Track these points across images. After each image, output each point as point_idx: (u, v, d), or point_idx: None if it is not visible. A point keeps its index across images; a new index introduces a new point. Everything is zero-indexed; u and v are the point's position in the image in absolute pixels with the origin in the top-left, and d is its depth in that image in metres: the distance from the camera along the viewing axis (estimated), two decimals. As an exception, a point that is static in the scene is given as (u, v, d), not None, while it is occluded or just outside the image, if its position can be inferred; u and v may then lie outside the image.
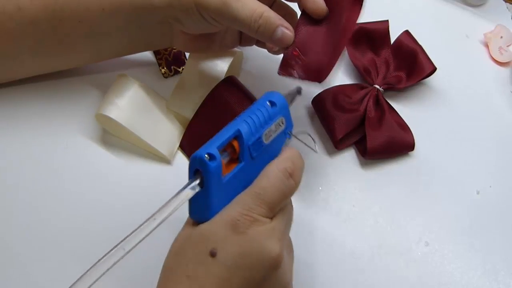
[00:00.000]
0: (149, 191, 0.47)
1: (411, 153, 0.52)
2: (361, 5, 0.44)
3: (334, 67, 0.57)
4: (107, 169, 0.47)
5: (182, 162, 0.49)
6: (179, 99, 0.49)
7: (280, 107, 0.37)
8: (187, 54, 0.54)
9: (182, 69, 0.53)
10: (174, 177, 0.47)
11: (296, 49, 0.42)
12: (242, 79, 0.54)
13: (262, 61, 0.55)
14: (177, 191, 0.33)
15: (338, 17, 0.43)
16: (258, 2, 0.39)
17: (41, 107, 0.49)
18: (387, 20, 0.56)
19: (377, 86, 0.53)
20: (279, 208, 0.35)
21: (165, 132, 0.48)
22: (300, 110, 0.54)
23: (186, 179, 0.44)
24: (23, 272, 0.42)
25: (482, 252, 0.48)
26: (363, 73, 0.54)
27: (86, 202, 0.45)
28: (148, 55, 0.54)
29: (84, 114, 0.49)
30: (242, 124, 0.35)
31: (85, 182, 0.46)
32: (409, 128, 0.52)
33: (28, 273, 0.42)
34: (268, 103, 0.37)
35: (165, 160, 0.48)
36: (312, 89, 0.52)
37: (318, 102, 0.52)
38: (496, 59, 0.60)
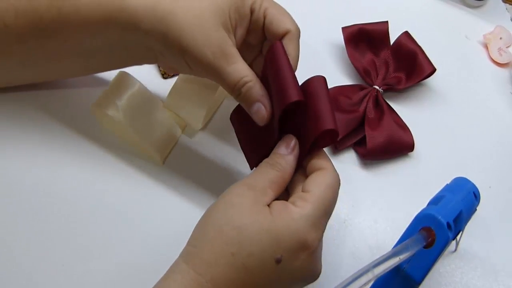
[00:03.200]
0: (138, 191, 0.47)
1: (410, 153, 0.52)
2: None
3: (333, 66, 0.57)
4: (97, 165, 0.48)
5: (173, 165, 0.49)
6: (176, 100, 0.49)
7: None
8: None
9: (182, 69, 0.53)
10: (164, 180, 0.48)
11: None
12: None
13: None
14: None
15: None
16: (249, 69, 0.38)
17: (37, 98, 0.50)
18: (387, 21, 0.56)
19: (377, 87, 0.53)
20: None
21: (160, 134, 0.48)
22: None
23: (176, 182, 0.45)
24: (21, 271, 0.42)
25: (482, 252, 0.48)
26: (362, 74, 0.54)
27: (71, 199, 0.46)
28: (147, 55, 0.54)
29: (80, 107, 0.49)
30: (460, 204, 0.38)
31: (72, 177, 0.47)
32: (408, 129, 0.52)
33: (24, 272, 0.42)
34: (474, 195, 0.41)
35: (157, 161, 0.48)
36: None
37: None
38: (496, 60, 0.60)
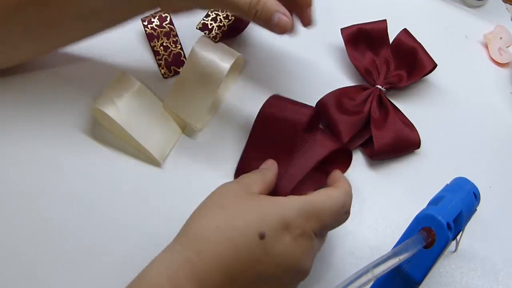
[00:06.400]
0: (138, 191, 0.47)
1: (412, 153, 0.52)
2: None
3: (334, 68, 0.57)
4: (96, 165, 0.48)
5: (173, 165, 0.49)
6: (176, 100, 0.49)
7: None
8: (187, 55, 0.54)
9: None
10: (162, 181, 0.48)
11: None
12: (242, 82, 0.54)
13: (262, 65, 0.55)
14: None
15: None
16: None
17: (38, 97, 0.50)
18: (385, 20, 0.56)
19: (379, 86, 0.53)
20: (324, 233, 0.38)
21: (159, 135, 0.48)
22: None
23: (175, 182, 0.45)
24: (21, 270, 0.42)
25: (482, 252, 0.48)
26: (364, 74, 0.54)
27: (70, 198, 0.46)
28: (148, 55, 0.54)
29: (80, 107, 0.50)
30: (460, 204, 0.38)
31: (71, 177, 0.47)
32: (414, 127, 0.52)
33: (24, 271, 0.42)
34: (474, 195, 0.41)
35: (155, 162, 0.48)
36: (314, 94, 0.52)
37: (321, 106, 0.52)
38: (496, 60, 0.60)
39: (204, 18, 0.53)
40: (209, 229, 0.33)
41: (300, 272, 0.35)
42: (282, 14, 0.39)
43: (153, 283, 0.32)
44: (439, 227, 0.35)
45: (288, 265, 0.34)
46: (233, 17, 0.53)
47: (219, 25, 0.53)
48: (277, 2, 0.39)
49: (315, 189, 0.39)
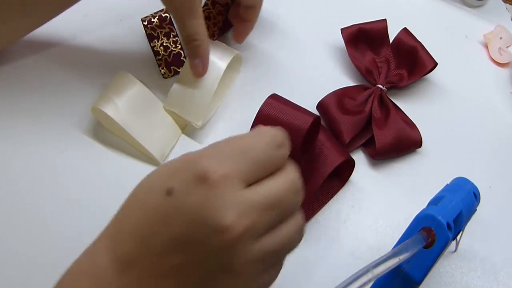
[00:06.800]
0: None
1: (413, 153, 0.52)
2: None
3: (334, 68, 0.57)
4: (96, 165, 0.48)
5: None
6: (176, 99, 0.49)
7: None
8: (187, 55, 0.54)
9: (182, 69, 0.53)
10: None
11: None
12: (242, 82, 0.54)
13: (262, 66, 0.55)
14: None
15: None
16: (205, 31, 0.47)
17: (38, 97, 0.50)
18: (385, 19, 0.56)
19: (380, 86, 0.53)
20: (261, 180, 0.28)
21: (160, 135, 0.48)
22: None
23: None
24: (21, 270, 0.42)
25: (482, 252, 0.48)
26: (365, 73, 0.54)
27: (70, 198, 0.46)
28: (148, 55, 0.54)
29: (80, 106, 0.50)
30: (460, 204, 0.38)
31: (71, 177, 0.47)
32: (415, 126, 0.52)
33: (24, 271, 0.42)
34: (474, 195, 0.40)
35: (155, 162, 0.48)
36: (315, 94, 0.52)
37: (322, 106, 0.52)
38: (496, 60, 0.60)
39: None
40: (128, 199, 0.30)
41: (217, 229, 0.26)
42: (200, 63, 0.48)
43: (76, 261, 0.30)
44: (439, 227, 0.35)
45: (198, 219, 0.26)
46: (225, 11, 0.54)
47: (214, 22, 0.53)
48: (206, 52, 0.48)
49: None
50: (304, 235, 0.31)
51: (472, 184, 0.42)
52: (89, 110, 0.48)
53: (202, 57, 0.47)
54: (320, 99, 0.52)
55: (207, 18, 0.53)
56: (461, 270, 0.47)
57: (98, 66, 0.53)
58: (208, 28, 0.52)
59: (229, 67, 0.49)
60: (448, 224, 0.35)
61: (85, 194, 0.46)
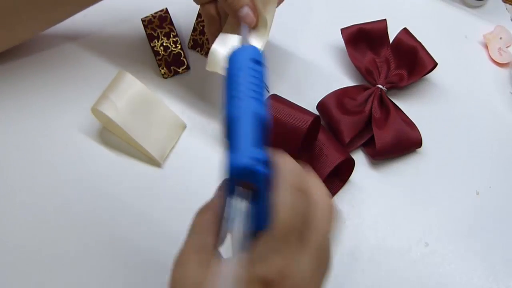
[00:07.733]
0: (137, 191, 0.47)
1: (413, 153, 0.52)
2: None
3: (334, 68, 0.57)
4: (96, 165, 0.48)
5: (173, 165, 0.49)
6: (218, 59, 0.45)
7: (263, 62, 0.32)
8: (187, 55, 0.54)
9: (182, 69, 0.53)
10: (162, 180, 0.48)
11: None
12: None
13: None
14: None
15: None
16: None
17: (38, 97, 0.50)
18: (385, 19, 0.56)
19: (380, 86, 0.53)
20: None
21: (159, 135, 0.48)
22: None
23: (175, 182, 0.45)
24: (20, 270, 0.42)
25: (482, 252, 0.48)
26: (365, 74, 0.54)
27: (69, 198, 0.46)
28: (148, 55, 0.54)
29: (80, 107, 0.50)
30: (251, 101, 0.29)
31: (71, 177, 0.47)
32: (415, 126, 0.52)
33: (24, 271, 0.42)
34: (251, 62, 0.31)
35: (155, 162, 0.48)
36: (315, 94, 0.52)
37: (322, 106, 0.52)
38: (496, 60, 0.60)
39: (192, 33, 0.54)
40: None
41: None
42: (250, 9, 0.43)
43: None
44: (249, 176, 0.26)
45: None
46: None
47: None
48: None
49: None
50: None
51: (248, 51, 0.32)
52: (89, 110, 0.48)
53: (246, 4, 0.43)
54: (320, 99, 0.52)
55: (201, 33, 0.54)
56: (460, 271, 0.47)
57: (98, 66, 0.53)
58: (202, 44, 0.52)
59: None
60: (256, 160, 0.26)
61: (85, 193, 0.46)
